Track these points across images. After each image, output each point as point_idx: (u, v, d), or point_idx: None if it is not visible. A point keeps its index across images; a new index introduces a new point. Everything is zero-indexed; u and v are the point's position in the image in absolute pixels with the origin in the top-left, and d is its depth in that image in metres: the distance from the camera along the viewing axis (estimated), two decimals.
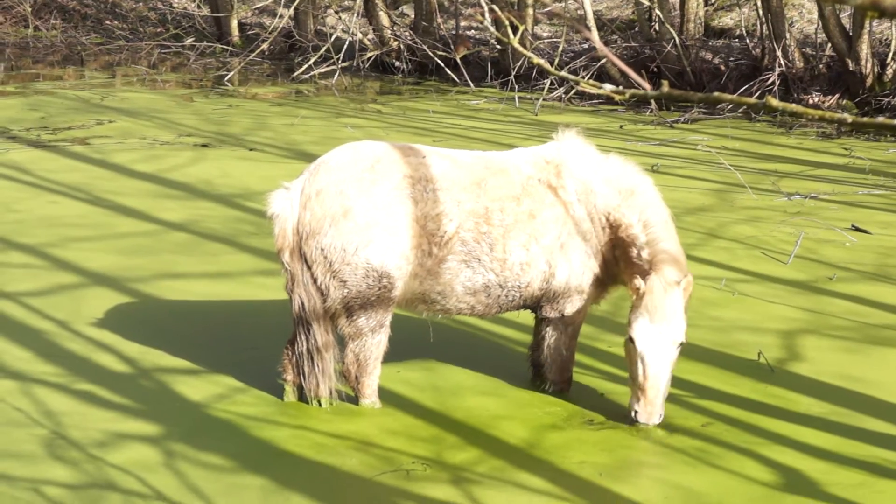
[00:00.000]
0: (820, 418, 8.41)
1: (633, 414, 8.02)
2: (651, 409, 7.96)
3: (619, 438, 7.98)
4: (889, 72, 22.15)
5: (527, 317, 9.03)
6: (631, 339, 8.00)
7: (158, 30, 32.35)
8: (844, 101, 22.34)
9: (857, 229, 13.72)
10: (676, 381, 8.93)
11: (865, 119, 3.73)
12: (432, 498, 7.07)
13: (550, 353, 8.60)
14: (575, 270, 8.41)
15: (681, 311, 8.02)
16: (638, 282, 8.00)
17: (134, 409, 8.24)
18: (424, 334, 9.55)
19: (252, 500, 7.02)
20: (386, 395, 8.47)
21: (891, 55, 22.28)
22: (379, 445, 7.76)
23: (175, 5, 34.97)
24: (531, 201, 8.35)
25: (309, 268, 8.11)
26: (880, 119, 3.67)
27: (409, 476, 7.33)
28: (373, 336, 8.19)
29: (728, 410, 8.49)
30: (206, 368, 8.96)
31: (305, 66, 26.38)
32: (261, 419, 8.13)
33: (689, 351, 8.82)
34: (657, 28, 25.16)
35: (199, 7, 34.10)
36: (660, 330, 7.95)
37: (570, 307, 8.50)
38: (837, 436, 8.10)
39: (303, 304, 8.17)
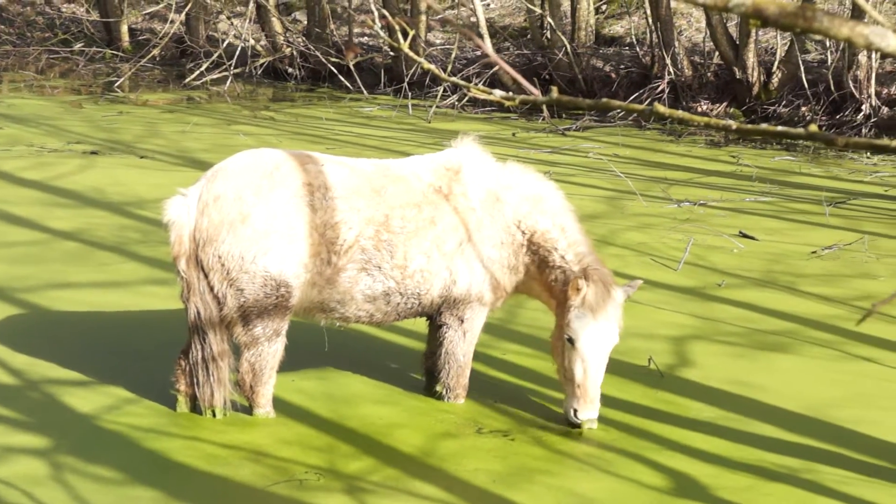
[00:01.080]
0: (709, 423, 8.52)
1: (572, 413, 8.18)
2: (592, 408, 8.16)
3: (513, 446, 8.02)
4: (775, 80, 22.53)
5: (422, 325, 9.04)
6: (570, 340, 8.16)
7: (46, 35, 31.88)
8: (732, 109, 22.69)
9: (745, 236, 13.93)
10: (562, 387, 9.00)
11: (749, 126, 3.78)
12: None
13: (448, 360, 8.61)
14: (476, 278, 8.45)
15: (620, 311, 8.26)
16: (581, 281, 8.13)
17: (21, 422, 8.09)
18: (320, 343, 9.52)
19: None
20: (280, 404, 8.42)
21: (776, 64, 22.67)
22: (272, 455, 7.71)
23: (63, 10, 34.46)
24: (432, 209, 8.37)
25: (206, 275, 8.03)
26: (763, 126, 3.73)
27: (303, 486, 7.30)
28: (269, 345, 8.14)
29: (619, 416, 8.57)
30: (96, 379, 8.83)
31: (197, 72, 26.14)
32: (152, 430, 8.03)
33: None
34: (549, 36, 25.34)
35: (87, 12, 33.65)
36: (602, 329, 8.16)
37: (470, 314, 8.54)
38: (726, 440, 8.22)
39: (198, 312, 8.08)
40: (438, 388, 8.76)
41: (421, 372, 8.99)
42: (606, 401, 8.79)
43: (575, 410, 8.18)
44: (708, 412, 8.72)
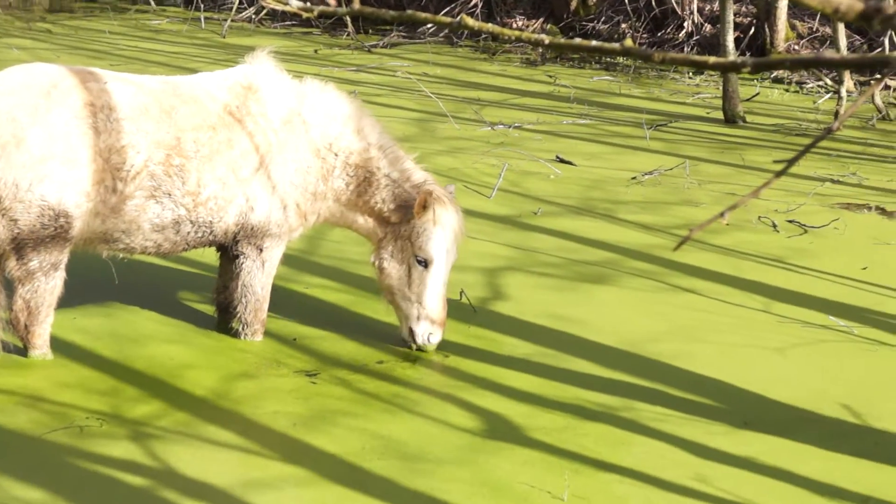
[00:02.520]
0: (524, 360, 8.62)
1: (425, 338, 8.46)
2: (442, 329, 8.50)
3: (316, 387, 8.00)
4: None
5: (214, 254, 8.92)
6: (423, 262, 8.43)
7: None
8: (549, 26, 22.87)
9: (562, 161, 14.11)
10: (368, 323, 9.04)
11: (563, 41, 3.76)
12: (109, 456, 6.93)
13: (245, 293, 8.56)
14: (276, 205, 8.39)
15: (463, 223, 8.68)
16: (429, 199, 8.36)
17: None
18: (104, 277, 9.34)
19: None
20: (59, 344, 8.27)
21: None
22: (50, 400, 7.56)
23: None
24: (228, 131, 8.28)
25: None
26: (577, 41, 3.72)
27: (84, 433, 7.17)
28: (46, 280, 7.96)
29: (428, 353, 8.60)
30: None
31: None
32: None
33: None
34: None
35: None
36: (453, 246, 8.53)
37: (269, 243, 8.50)
38: (542, 378, 8.32)
39: None
40: (234, 324, 8.70)
41: (214, 307, 8.90)
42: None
43: (430, 334, 8.47)
44: (523, 348, 8.82)
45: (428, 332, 8.46)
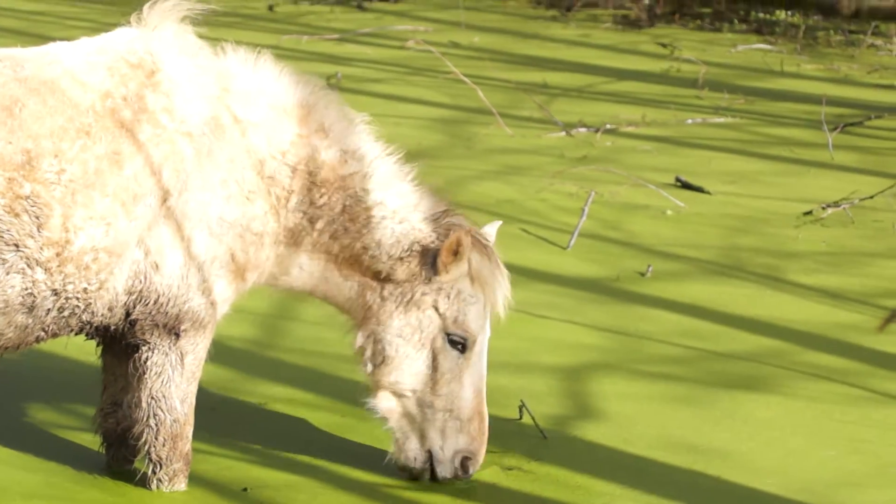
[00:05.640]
0: None
1: (461, 464, 8.60)
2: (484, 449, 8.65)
3: None
4: None
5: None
6: (460, 344, 8.61)
7: None
8: None
9: (687, 186, 14.11)
10: (366, 458, 9.12)
11: None
12: None
13: (154, 411, 8.53)
14: (197, 258, 8.39)
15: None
16: (465, 238, 8.43)
17: None
18: None
19: None
20: None
21: None
22: None
23: None
24: (112, 139, 8.29)
25: None
26: None
27: None
28: None
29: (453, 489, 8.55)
30: None
31: None
32: None
33: None
34: None
35: None
36: (489, 317, 8.71)
37: (190, 324, 8.48)
38: None
39: None
40: (139, 463, 8.70)
41: (100, 439, 8.89)
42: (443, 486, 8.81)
43: (466, 459, 8.57)
44: (629, 501, 8.75)
45: (462, 454, 8.57)
